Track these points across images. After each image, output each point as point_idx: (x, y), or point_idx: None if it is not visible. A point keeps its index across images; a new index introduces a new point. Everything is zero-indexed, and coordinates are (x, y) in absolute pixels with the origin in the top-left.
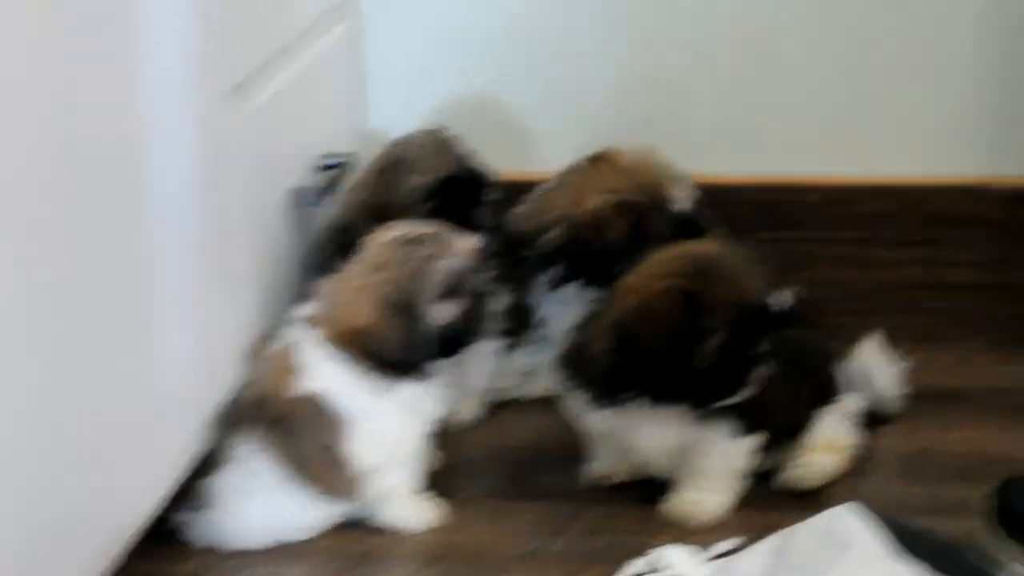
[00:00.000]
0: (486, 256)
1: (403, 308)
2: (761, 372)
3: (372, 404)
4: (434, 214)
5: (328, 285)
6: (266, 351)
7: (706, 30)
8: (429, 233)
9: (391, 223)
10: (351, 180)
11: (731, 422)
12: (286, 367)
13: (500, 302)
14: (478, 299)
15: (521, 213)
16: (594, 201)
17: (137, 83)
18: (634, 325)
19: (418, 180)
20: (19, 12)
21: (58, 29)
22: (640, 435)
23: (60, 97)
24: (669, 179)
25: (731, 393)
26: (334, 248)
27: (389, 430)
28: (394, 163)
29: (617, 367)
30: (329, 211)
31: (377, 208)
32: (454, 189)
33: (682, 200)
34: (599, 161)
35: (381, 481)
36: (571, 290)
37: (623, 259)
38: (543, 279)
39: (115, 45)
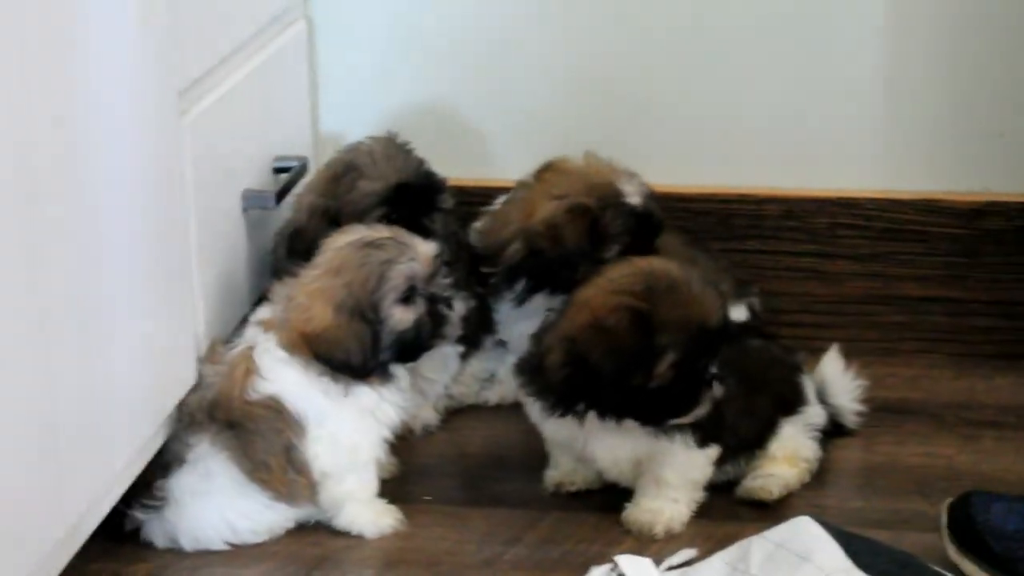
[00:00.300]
0: (442, 261)
1: (360, 312)
2: (713, 393)
3: (329, 408)
4: (387, 220)
5: (283, 289)
6: (222, 353)
7: (664, 39)
8: (387, 237)
9: (345, 228)
10: (305, 184)
11: (690, 434)
12: (244, 369)
13: (458, 307)
14: (435, 304)
15: (478, 230)
16: (545, 209)
17: (82, 87)
18: (585, 342)
19: (370, 186)
20: None
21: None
22: (596, 445)
23: (4, 103)
24: (618, 176)
25: (682, 413)
26: (287, 252)
27: (346, 435)
28: (346, 168)
29: (569, 380)
30: (284, 215)
31: (329, 212)
32: (406, 196)
33: (634, 195)
34: (547, 171)
35: (338, 486)
36: (534, 300)
37: (585, 261)
38: (508, 294)
39: (59, 50)
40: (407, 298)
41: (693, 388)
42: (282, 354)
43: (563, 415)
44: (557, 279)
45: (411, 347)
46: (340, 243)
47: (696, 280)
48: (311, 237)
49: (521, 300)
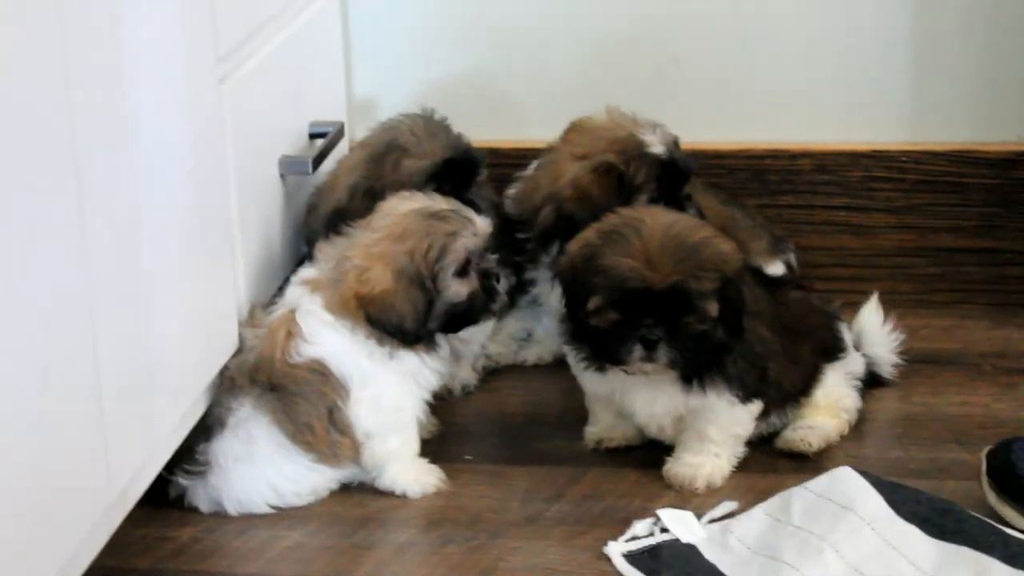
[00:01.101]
0: (495, 237)
1: (420, 280)
2: (648, 355)
3: (372, 371)
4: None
5: (333, 249)
6: (261, 317)
7: None
8: (451, 209)
9: (404, 194)
10: (341, 163)
11: (730, 391)
12: (286, 332)
13: (503, 283)
14: (488, 278)
15: (512, 196)
16: (570, 171)
17: (127, 56)
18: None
19: (416, 164)
20: None
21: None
22: (634, 398)
23: (51, 73)
24: (640, 128)
25: (611, 360)
26: (326, 230)
27: (389, 396)
28: (388, 148)
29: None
30: (320, 193)
31: (373, 192)
32: (451, 171)
33: (656, 144)
34: (571, 131)
35: (382, 446)
36: None
37: None
38: (544, 258)
39: (103, 19)
40: (463, 271)
41: (620, 341)
42: (327, 317)
43: (599, 367)
44: None
45: (461, 318)
46: (404, 209)
47: (669, 241)
48: (354, 217)
49: (558, 271)
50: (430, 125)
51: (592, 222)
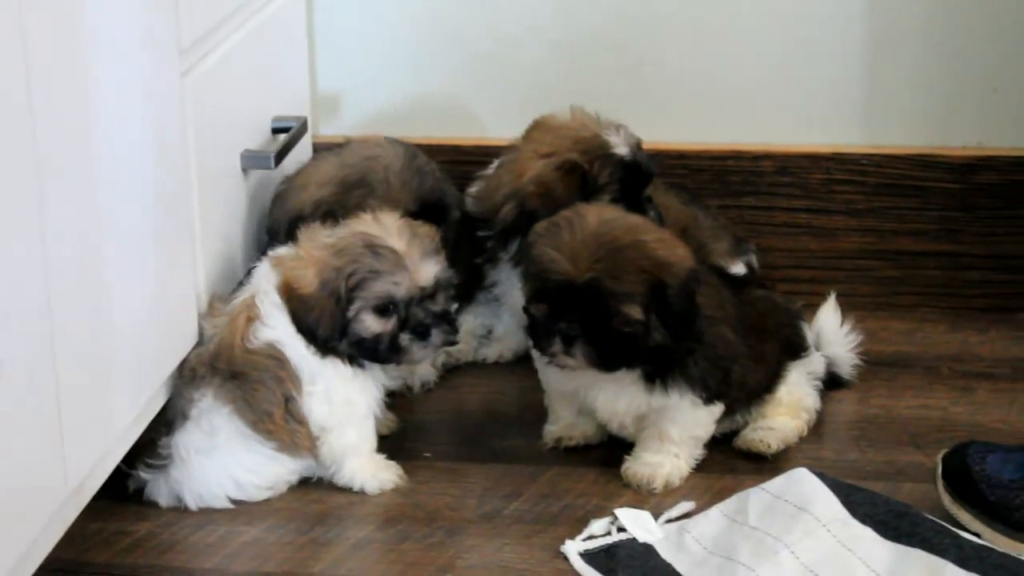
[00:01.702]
0: (442, 288)
1: (338, 297)
2: (563, 349)
3: (317, 365)
4: None
5: (309, 237)
6: (221, 308)
7: None
8: (392, 248)
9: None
10: (314, 169)
11: (692, 392)
12: (245, 318)
13: (434, 337)
14: (404, 327)
15: (472, 195)
16: (534, 169)
17: (88, 48)
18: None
19: (377, 207)
20: None
21: None
22: (597, 395)
23: (8, 64)
24: (604, 128)
25: (539, 349)
26: (286, 234)
27: (340, 390)
28: (359, 181)
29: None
30: (288, 190)
31: (334, 215)
32: (420, 216)
33: (620, 145)
34: (534, 129)
35: (339, 440)
36: None
37: None
38: (504, 255)
39: (65, 9)
40: (383, 311)
41: (540, 331)
42: (277, 299)
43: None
44: None
45: (367, 352)
46: (357, 228)
47: (594, 236)
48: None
49: (518, 261)
50: (405, 172)
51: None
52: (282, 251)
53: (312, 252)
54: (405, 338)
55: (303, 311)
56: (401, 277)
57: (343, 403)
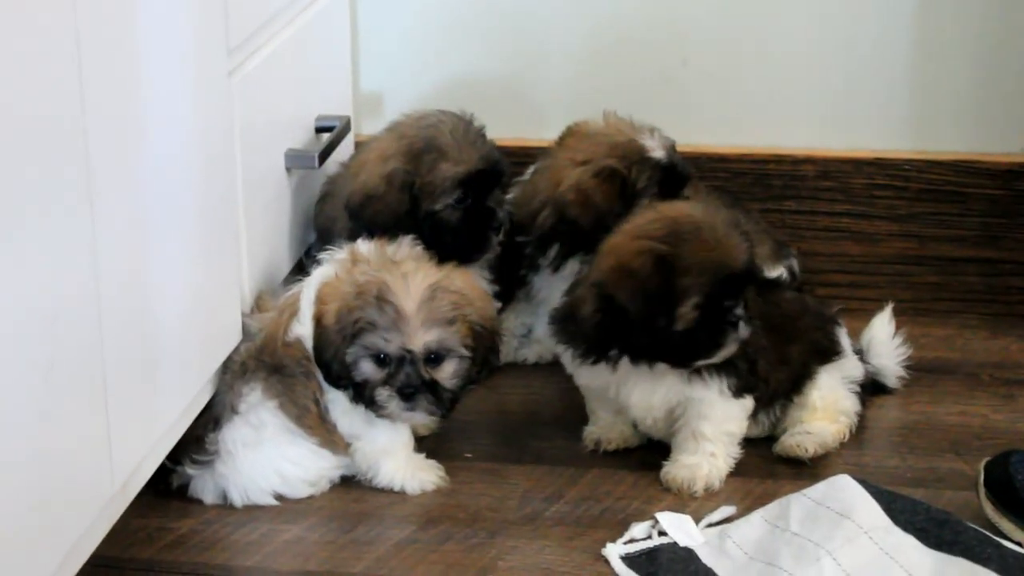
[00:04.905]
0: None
1: (343, 336)
2: (739, 334)
3: None
4: (459, 202)
5: (360, 249)
6: (271, 302)
7: None
8: (397, 307)
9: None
10: (371, 148)
11: (724, 380)
12: (289, 313)
13: (425, 405)
14: (391, 386)
15: (510, 201)
16: (571, 177)
17: (140, 47)
18: (610, 286)
19: (452, 170)
20: None
21: None
22: (630, 391)
23: (63, 65)
24: (639, 133)
25: (706, 354)
26: (353, 214)
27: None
28: (427, 146)
29: (601, 326)
30: (339, 180)
31: (407, 185)
32: (481, 181)
33: (656, 149)
34: (568, 136)
35: (371, 445)
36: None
37: (618, 222)
38: (543, 261)
39: (116, 6)
40: (380, 360)
41: (717, 330)
42: (313, 298)
43: (595, 361)
44: (591, 242)
45: (359, 397)
46: (389, 275)
47: (721, 224)
48: (386, 205)
49: (556, 266)
50: (469, 132)
51: (594, 226)
52: (341, 255)
53: (340, 286)
54: (383, 393)
55: (322, 345)
56: (392, 336)
57: (360, 410)
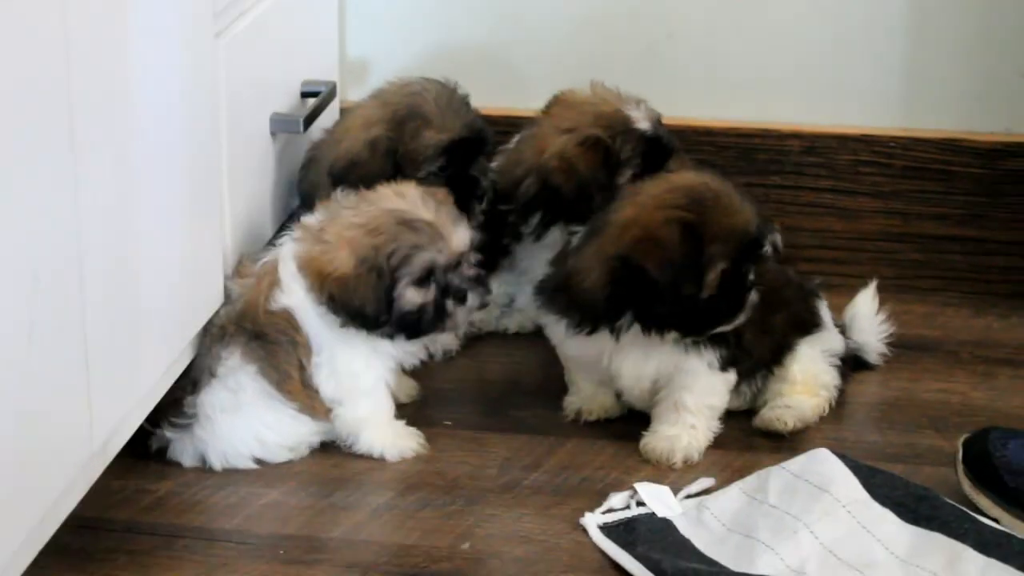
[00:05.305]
0: (474, 250)
1: (380, 271)
2: (752, 299)
3: (325, 334)
4: (441, 170)
5: (331, 208)
6: (250, 267)
7: None
8: (427, 221)
9: (402, 185)
10: (354, 114)
11: (714, 353)
12: (269, 281)
13: (471, 300)
14: (446, 295)
15: (495, 169)
16: (556, 144)
17: (122, 6)
18: (639, 256)
19: (435, 137)
20: None
21: None
22: (622, 361)
23: (46, 25)
24: (625, 103)
25: (727, 320)
26: (336, 180)
27: (343, 361)
28: (410, 113)
29: (614, 297)
30: (323, 146)
31: (390, 152)
32: (465, 149)
33: (642, 120)
34: (554, 104)
35: (352, 412)
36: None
37: (600, 191)
38: (525, 229)
39: None
40: (421, 282)
41: (738, 295)
42: (293, 268)
43: (591, 332)
44: (573, 211)
45: (412, 328)
46: (386, 206)
47: (732, 190)
48: (368, 172)
49: (538, 235)
50: (453, 100)
51: (576, 194)
52: (310, 220)
53: (342, 232)
54: (450, 304)
55: (345, 293)
56: (441, 246)
57: (347, 375)
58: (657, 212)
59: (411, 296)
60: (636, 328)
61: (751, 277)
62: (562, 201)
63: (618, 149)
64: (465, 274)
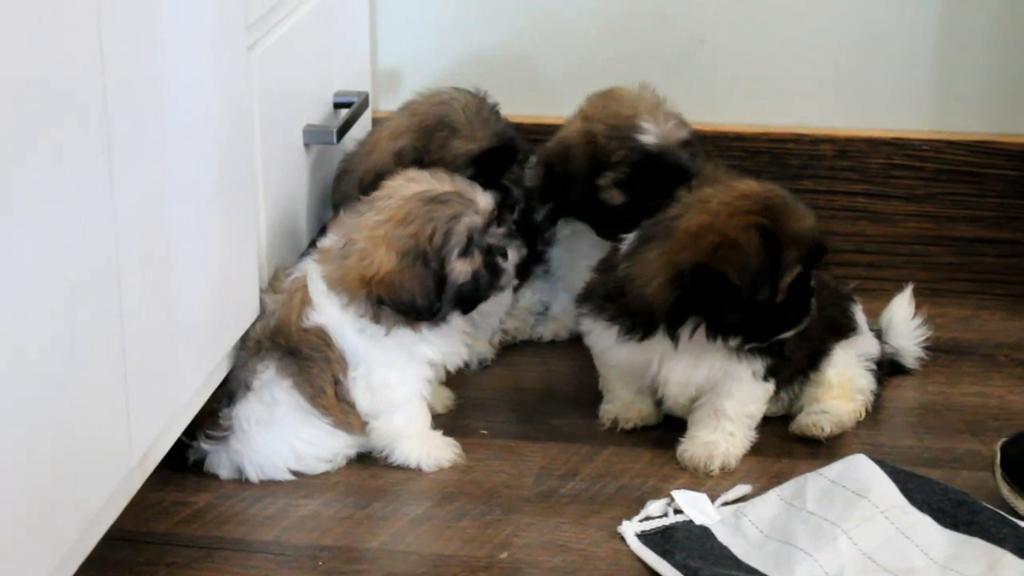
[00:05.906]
0: (503, 212)
1: (426, 259)
2: (814, 304)
3: (362, 347)
4: (471, 178)
5: (343, 225)
6: (283, 280)
7: None
8: (452, 192)
9: (407, 174)
10: (383, 126)
11: (760, 362)
12: (300, 298)
13: (512, 255)
14: (491, 255)
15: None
16: (566, 130)
17: (158, 15)
18: (718, 263)
19: (464, 147)
20: None
21: None
22: (671, 369)
23: (82, 39)
24: (649, 113)
25: (795, 324)
26: (363, 191)
27: (378, 374)
28: (438, 123)
29: (682, 303)
30: (354, 158)
31: (420, 163)
32: (492, 159)
33: (652, 134)
34: (597, 97)
35: (387, 425)
36: (580, 237)
37: (580, 184)
38: (546, 225)
39: None
40: (466, 251)
41: (805, 300)
42: (324, 288)
43: (644, 338)
44: (560, 198)
45: (470, 298)
46: (407, 192)
47: (791, 195)
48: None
49: (546, 228)
50: (483, 110)
51: (566, 181)
52: (325, 242)
53: (372, 233)
54: (501, 262)
55: (394, 291)
56: (472, 210)
57: (381, 387)
58: (733, 218)
59: (461, 267)
60: (707, 336)
61: (812, 283)
62: (551, 183)
63: (609, 150)
64: (498, 232)
